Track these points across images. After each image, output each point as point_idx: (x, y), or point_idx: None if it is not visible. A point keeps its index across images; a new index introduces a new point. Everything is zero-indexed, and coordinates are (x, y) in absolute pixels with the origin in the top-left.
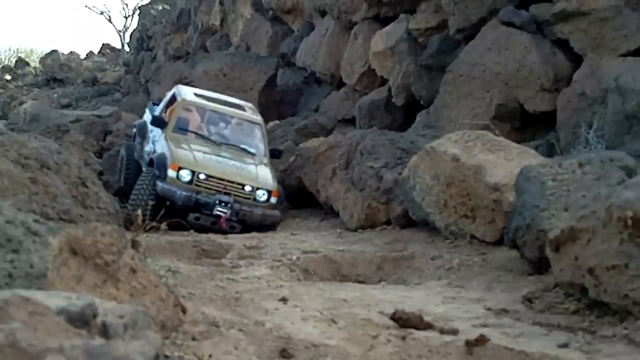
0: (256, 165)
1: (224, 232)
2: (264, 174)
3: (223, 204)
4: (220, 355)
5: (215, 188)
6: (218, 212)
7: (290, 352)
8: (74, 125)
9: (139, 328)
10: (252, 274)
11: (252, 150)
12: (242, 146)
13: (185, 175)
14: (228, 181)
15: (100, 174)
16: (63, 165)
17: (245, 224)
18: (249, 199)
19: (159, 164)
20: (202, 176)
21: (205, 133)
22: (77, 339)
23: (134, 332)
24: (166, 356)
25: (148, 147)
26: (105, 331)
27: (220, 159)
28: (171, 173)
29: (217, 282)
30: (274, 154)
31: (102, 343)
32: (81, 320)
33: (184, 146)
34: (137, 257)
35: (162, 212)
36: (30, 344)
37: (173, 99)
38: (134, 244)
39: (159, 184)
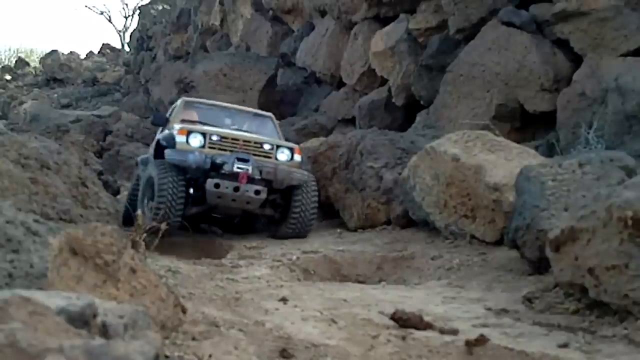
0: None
1: (247, 212)
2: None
3: (242, 161)
4: (220, 355)
5: (231, 149)
6: (237, 170)
7: (290, 352)
8: (74, 125)
9: (139, 328)
10: (252, 274)
11: (266, 138)
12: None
13: (197, 138)
14: (244, 141)
15: (100, 173)
16: (63, 165)
17: (271, 186)
18: (269, 157)
19: (166, 138)
20: (214, 137)
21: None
22: (77, 339)
23: (134, 332)
24: (166, 356)
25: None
26: (105, 331)
27: (232, 130)
28: (180, 138)
29: (217, 282)
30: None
31: (102, 343)
32: (81, 320)
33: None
34: (137, 257)
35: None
36: (30, 344)
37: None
38: (134, 244)
39: (168, 152)
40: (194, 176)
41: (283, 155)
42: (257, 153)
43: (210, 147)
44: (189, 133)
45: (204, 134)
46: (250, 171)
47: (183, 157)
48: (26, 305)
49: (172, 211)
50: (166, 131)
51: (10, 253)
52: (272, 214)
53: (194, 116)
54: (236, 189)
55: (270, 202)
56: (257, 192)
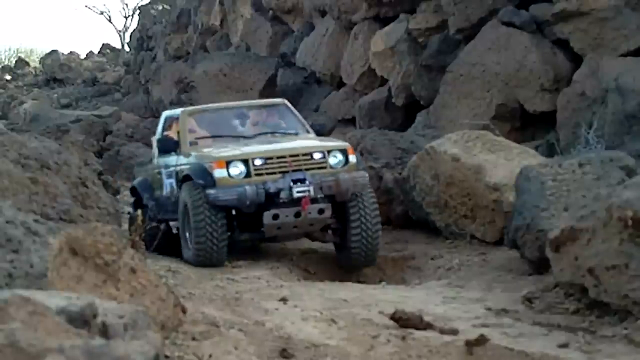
0: (309, 139)
1: (310, 235)
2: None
3: (299, 182)
4: (220, 355)
5: (280, 170)
6: (298, 195)
7: (290, 352)
8: (74, 125)
9: (139, 328)
10: (252, 274)
11: (291, 131)
12: (280, 131)
13: (238, 167)
14: (291, 156)
15: (100, 173)
16: (63, 165)
17: (334, 200)
18: (324, 167)
19: (198, 172)
20: (258, 162)
21: (227, 133)
22: (77, 339)
23: (134, 332)
24: (166, 356)
25: (165, 192)
26: (105, 331)
27: (264, 142)
28: (219, 173)
29: (217, 282)
30: (319, 130)
31: (102, 343)
32: (81, 320)
33: (214, 147)
34: (137, 257)
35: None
36: (30, 344)
37: (169, 121)
38: (134, 244)
39: (210, 192)
40: (244, 211)
41: (336, 159)
42: (308, 167)
43: (257, 175)
44: (228, 163)
45: (245, 161)
46: (311, 192)
47: (232, 196)
48: (26, 305)
49: (213, 255)
50: (180, 157)
51: (10, 253)
52: (333, 239)
53: (203, 130)
54: (298, 215)
55: (332, 229)
56: (320, 211)
